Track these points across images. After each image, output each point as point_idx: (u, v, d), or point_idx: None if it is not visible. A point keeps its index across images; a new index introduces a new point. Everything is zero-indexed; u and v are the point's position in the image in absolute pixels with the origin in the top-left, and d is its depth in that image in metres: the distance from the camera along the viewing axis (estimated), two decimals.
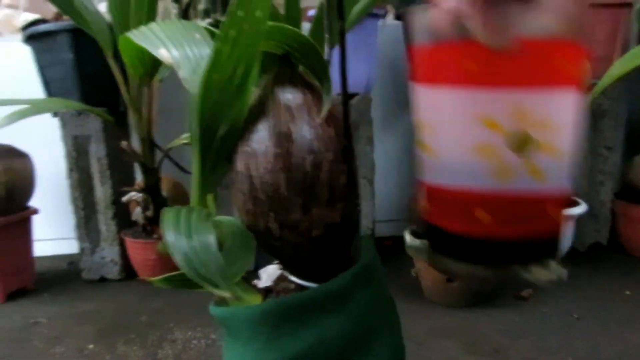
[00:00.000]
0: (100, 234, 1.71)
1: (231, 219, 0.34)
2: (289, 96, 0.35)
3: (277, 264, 0.40)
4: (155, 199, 1.51)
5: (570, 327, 1.30)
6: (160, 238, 1.58)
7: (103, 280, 1.73)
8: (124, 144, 1.43)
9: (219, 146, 0.33)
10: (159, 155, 1.52)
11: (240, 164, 0.32)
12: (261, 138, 0.31)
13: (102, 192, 1.67)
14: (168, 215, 0.32)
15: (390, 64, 2.01)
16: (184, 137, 1.39)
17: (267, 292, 0.38)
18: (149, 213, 1.52)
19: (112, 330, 1.36)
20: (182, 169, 1.56)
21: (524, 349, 1.20)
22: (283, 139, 0.32)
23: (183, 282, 0.34)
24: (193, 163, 0.34)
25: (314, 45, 0.32)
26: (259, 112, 0.33)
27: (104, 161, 1.64)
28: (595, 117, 1.70)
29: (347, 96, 0.34)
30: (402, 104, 2.06)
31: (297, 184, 0.33)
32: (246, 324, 0.33)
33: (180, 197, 1.70)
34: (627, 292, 1.49)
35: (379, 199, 1.81)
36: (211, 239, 0.27)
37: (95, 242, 1.71)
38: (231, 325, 0.35)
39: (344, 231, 0.35)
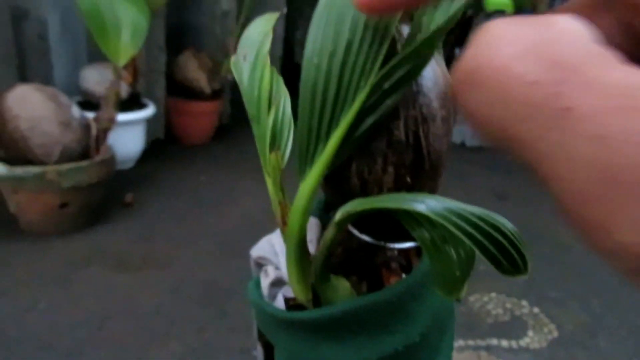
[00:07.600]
0: None
1: None
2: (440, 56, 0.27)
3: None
4: None
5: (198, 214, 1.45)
6: None
7: None
8: None
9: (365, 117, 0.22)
10: None
11: (401, 132, 0.23)
12: (429, 101, 0.24)
13: None
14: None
15: None
16: None
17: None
18: None
19: None
20: None
21: (160, 251, 1.28)
22: (446, 99, 0.26)
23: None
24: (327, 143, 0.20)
25: None
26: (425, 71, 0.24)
27: None
28: None
29: None
30: None
31: (447, 147, 0.28)
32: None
33: None
34: (202, 178, 1.75)
35: None
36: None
37: None
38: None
39: None
